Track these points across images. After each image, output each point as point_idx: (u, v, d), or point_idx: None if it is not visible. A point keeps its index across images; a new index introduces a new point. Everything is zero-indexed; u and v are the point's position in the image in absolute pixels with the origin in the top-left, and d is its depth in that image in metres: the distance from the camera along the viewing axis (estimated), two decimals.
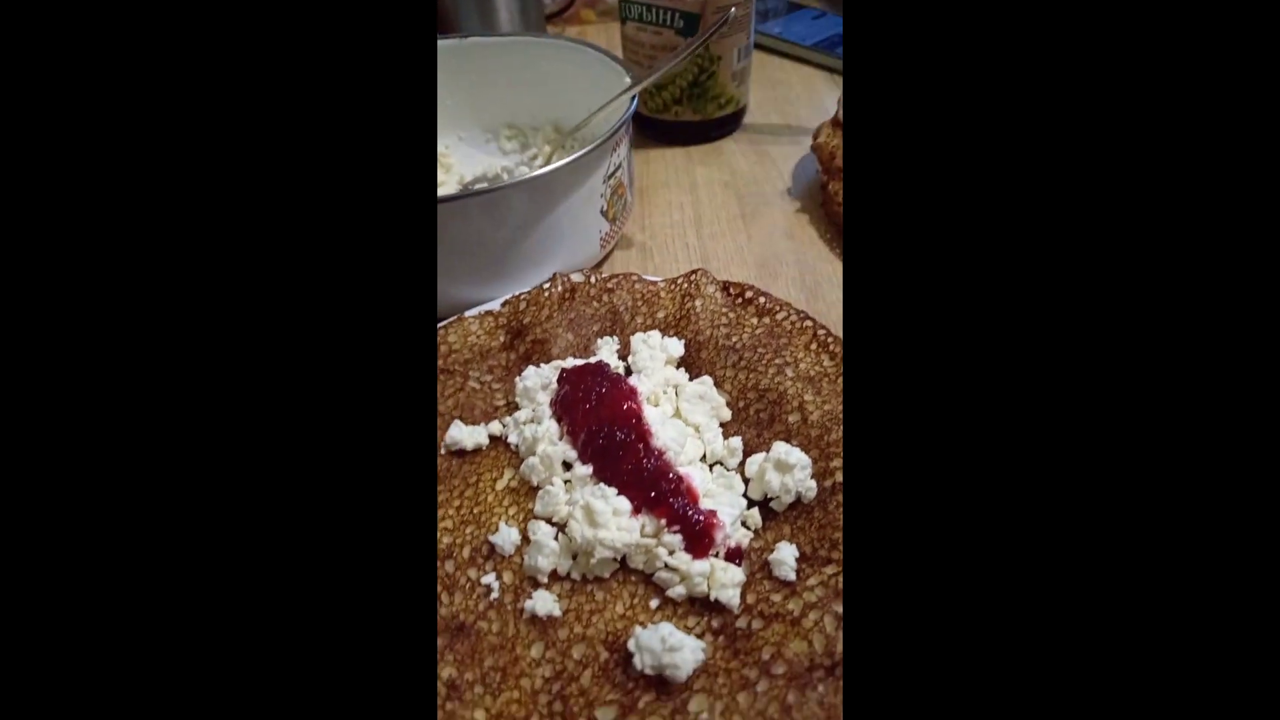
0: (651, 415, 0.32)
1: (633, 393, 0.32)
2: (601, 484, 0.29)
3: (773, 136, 0.61)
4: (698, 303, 0.39)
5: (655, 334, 0.37)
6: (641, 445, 0.30)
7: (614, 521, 0.28)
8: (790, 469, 0.30)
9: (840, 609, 0.26)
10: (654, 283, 0.41)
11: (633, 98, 0.44)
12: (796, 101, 0.67)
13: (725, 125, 0.60)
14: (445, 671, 0.26)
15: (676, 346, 0.37)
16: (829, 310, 0.43)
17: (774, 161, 0.58)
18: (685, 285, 0.40)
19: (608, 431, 0.30)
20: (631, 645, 0.25)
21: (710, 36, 0.48)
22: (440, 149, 0.55)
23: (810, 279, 0.46)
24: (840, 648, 0.25)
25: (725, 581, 0.27)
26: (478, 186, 0.53)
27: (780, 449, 0.30)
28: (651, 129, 0.60)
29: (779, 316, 0.38)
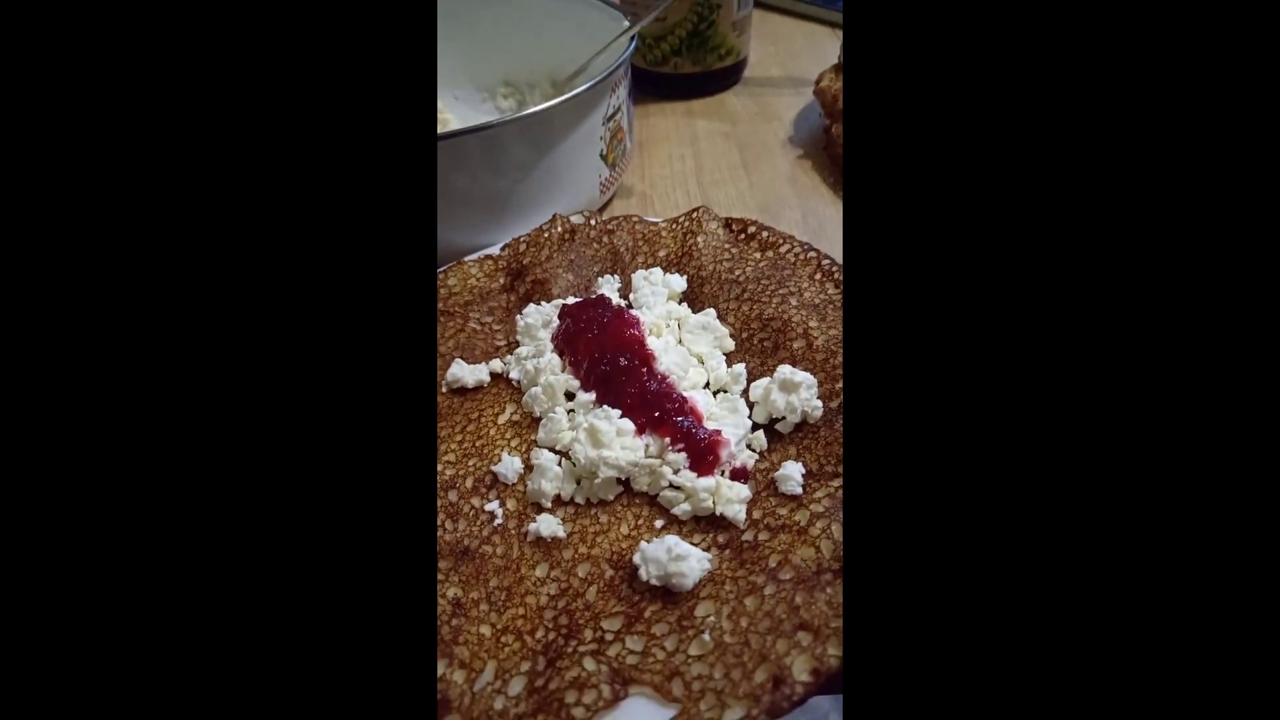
0: (654, 344, 0.32)
1: (635, 322, 0.32)
2: (605, 406, 0.29)
3: (774, 89, 0.61)
4: (700, 239, 0.38)
5: (657, 270, 0.37)
6: (645, 369, 0.30)
7: (618, 441, 0.28)
8: (796, 388, 0.29)
9: None
10: (655, 223, 0.40)
11: (631, 38, 0.43)
12: (799, 55, 0.66)
13: (726, 77, 0.60)
14: (450, 591, 0.26)
15: (679, 282, 0.36)
16: (833, 251, 0.42)
17: (776, 112, 0.57)
18: (687, 223, 0.39)
19: (610, 358, 0.30)
20: (637, 558, 0.25)
21: None
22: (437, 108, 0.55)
23: (814, 221, 0.45)
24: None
25: (731, 497, 0.27)
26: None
27: (785, 370, 0.30)
28: (651, 84, 0.60)
29: (783, 250, 0.37)
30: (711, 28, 0.55)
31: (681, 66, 0.57)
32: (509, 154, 0.38)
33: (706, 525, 0.27)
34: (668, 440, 0.28)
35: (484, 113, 0.56)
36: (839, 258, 0.42)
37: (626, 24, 0.45)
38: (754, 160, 0.51)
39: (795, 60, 0.65)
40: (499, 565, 0.27)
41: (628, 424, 0.28)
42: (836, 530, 0.25)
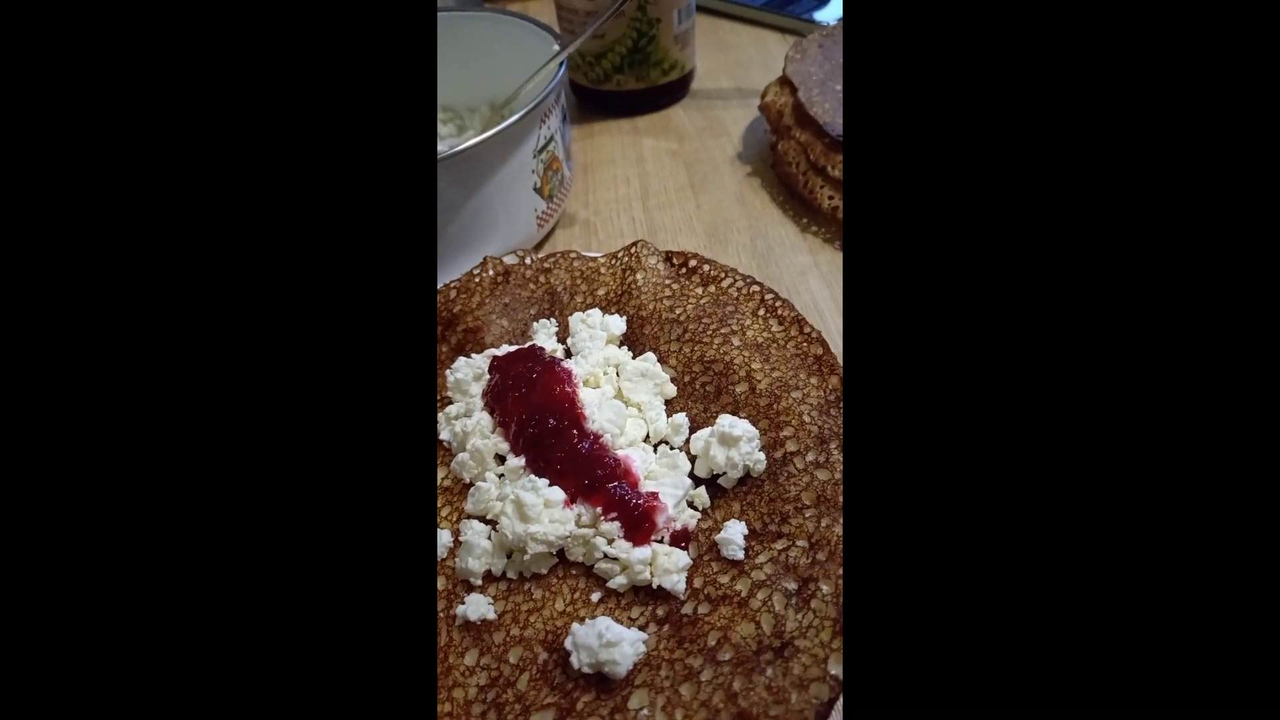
0: (589, 397, 0.30)
1: (567, 375, 0.30)
2: (532, 475, 0.27)
3: (723, 101, 0.59)
4: (639, 276, 0.36)
5: (595, 312, 0.35)
6: (575, 430, 0.28)
7: (546, 514, 0.26)
8: (736, 442, 0.28)
9: (791, 585, 0.24)
10: (594, 259, 0.38)
11: (560, 64, 0.41)
12: (748, 64, 0.65)
13: (672, 92, 0.58)
14: None
15: (618, 324, 0.35)
16: (781, 274, 0.41)
17: (724, 126, 0.56)
18: (626, 259, 0.38)
19: (539, 419, 0.28)
20: (569, 643, 0.24)
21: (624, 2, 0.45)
22: None
23: (762, 244, 0.44)
24: (790, 625, 0.23)
25: (669, 567, 0.25)
26: None
27: (724, 422, 0.28)
28: (595, 102, 0.58)
29: (724, 284, 0.36)
30: (653, 43, 0.53)
31: (625, 83, 0.55)
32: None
33: (646, 596, 0.26)
34: (600, 509, 0.26)
35: None
36: (790, 280, 0.41)
37: (555, 48, 0.43)
38: (702, 180, 0.50)
39: (744, 69, 0.63)
40: None
41: (557, 494, 0.27)
42: (778, 601, 0.24)
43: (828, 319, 0.38)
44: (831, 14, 0.68)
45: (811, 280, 0.41)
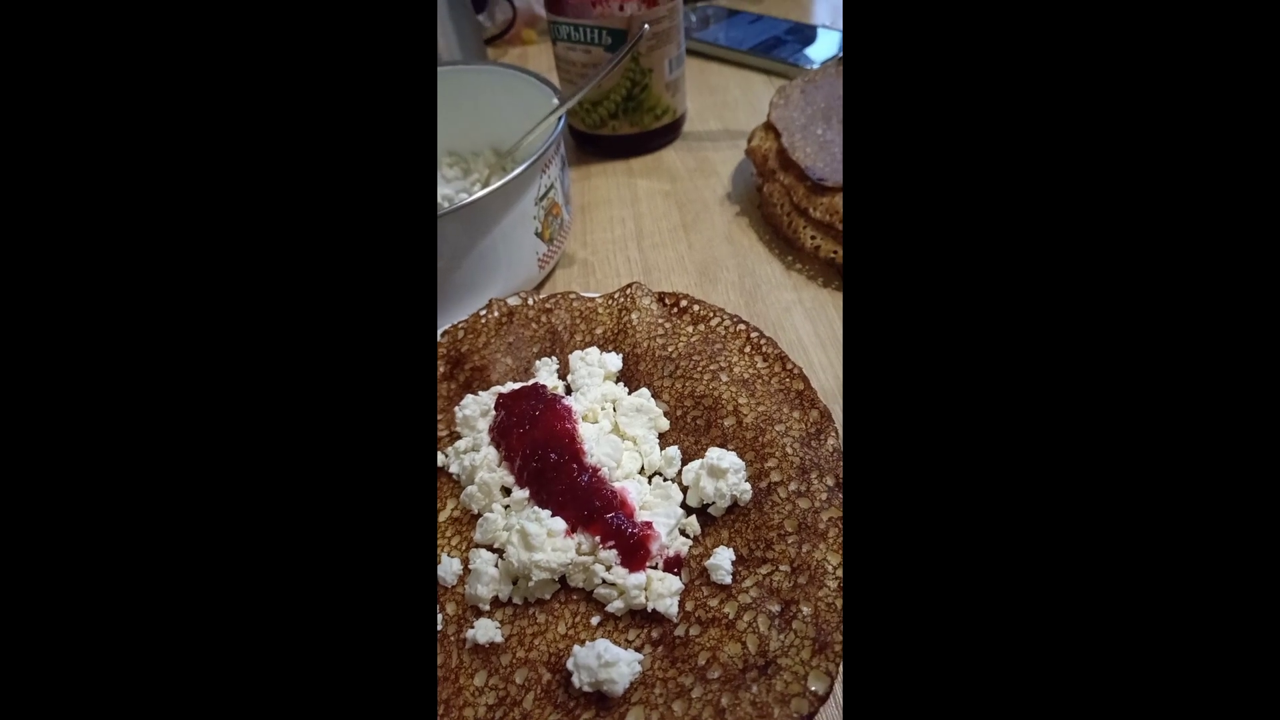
0: (587, 432, 0.32)
1: (567, 412, 0.33)
2: (536, 507, 0.30)
3: (712, 143, 0.62)
4: (634, 315, 0.39)
5: (593, 350, 0.38)
6: (575, 464, 0.30)
7: (549, 543, 0.28)
8: (724, 474, 0.30)
9: (774, 607, 0.26)
10: (591, 299, 0.41)
11: (559, 119, 0.44)
12: (735, 106, 0.68)
13: (665, 135, 0.61)
14: None
15: (614, 361, 0.37)
16: (767, 310, 0.44)
17: (714, 167, 0.59)
18: (621, 299, 0.40)
19: (542, 454, 0.31)
20: (570, 664, 0.26)
21: (621, 60, 0.48)
22: None
23: (749, 282, 0.46)
24: (773, 645, 0.25)
25: (662, 591, 0.28)
26: None
27: (713, 455, 0.31)
28: (592, 145, 0.61)
29: (713, 323, 0.38)
30: (645, 91, 0.57)
31: (620, 128, 0.59)
32: (443, 243, 0.39)
33: (641, 619, 0.28)
34: (599, 538, 0.29)
35: None
36: (775, 316, 0.43)
37: (555, 102, 0.46)
38: (693, 219, 0.53)
39: (732, 111, 0.67)
40: (439, 676, 0.27)
41: (559, 524, 0.29)
42: (762, 623, 0.26)
43: (811, 353, 0.41)
44: (814, 58, 0.71)
45: (796, 316, 0.43)
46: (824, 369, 0.40)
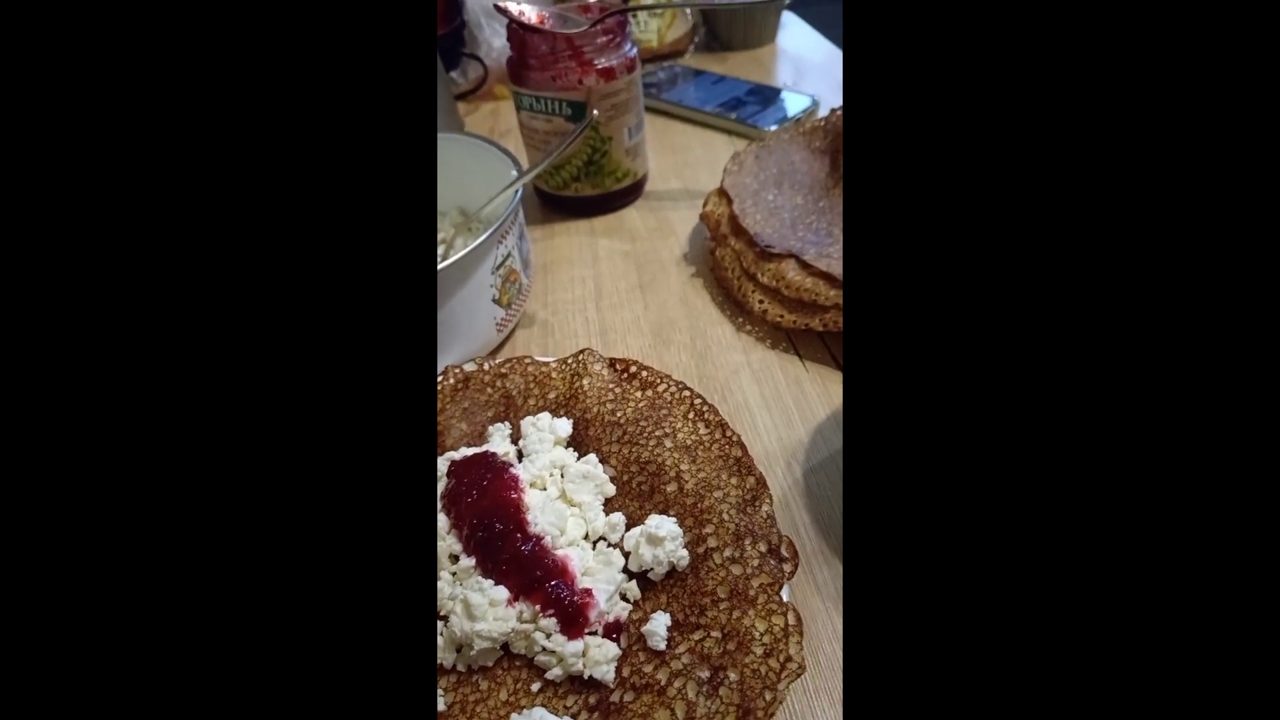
0: (534, 500, 0.34)
1: (514, 481, 0.34)
2: (480, 576, 0.31)
3: (673, 202, 0.65)
4: (586, 381, 0.41)
5: (545, 416, 0.39)
6: (519, 534, 0.32)
7: (490, 612, 0.30)
8: (661, 541, 0.32)
9: (704, 673, 0.28)
10: (546, 364, 0.43)
11: (517, 191, 0.47)
12: (697, 165, 0.71)
13: (626, 195, 0.64)
14: None
15: (565, 426, 0.39)
16: (716, 372, 0.46)
17: (673, 227, 0.61)
18: (574, 364, 0.42)
19: (488, 523, 0.32)
20: None
21: (578, 136, 0.51)
22: None
23: (701, 344, 0.48)
24: (700, 712, 0.27)
25: (598, 658, 0.29)
26: None
27: (652, 522, 0.32)
28: (556, 205, 0.64)
29: (660, 389, 0.40)
30: (605, 156, 0.59)
31: (582, 190, 0.61)
32: None
33: (580, 686, 0.29)
34: (539, 606, 0.30)
35: None
36: (724, 378, 0.45)
37: (514, 174, 0.49)
38: (650, 280, 0.55)
39: (692, 170, 0.70)
40: None
41: (501, 593, 0.30)
42: (691, 689, 0.27)
43: (756, 415, 0.43)
44: (772, 119, 0.75)
45: (744, 378, 0.45)
46: (768, 431, 0.42)
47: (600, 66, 0.55)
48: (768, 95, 0.81)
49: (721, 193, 0.56)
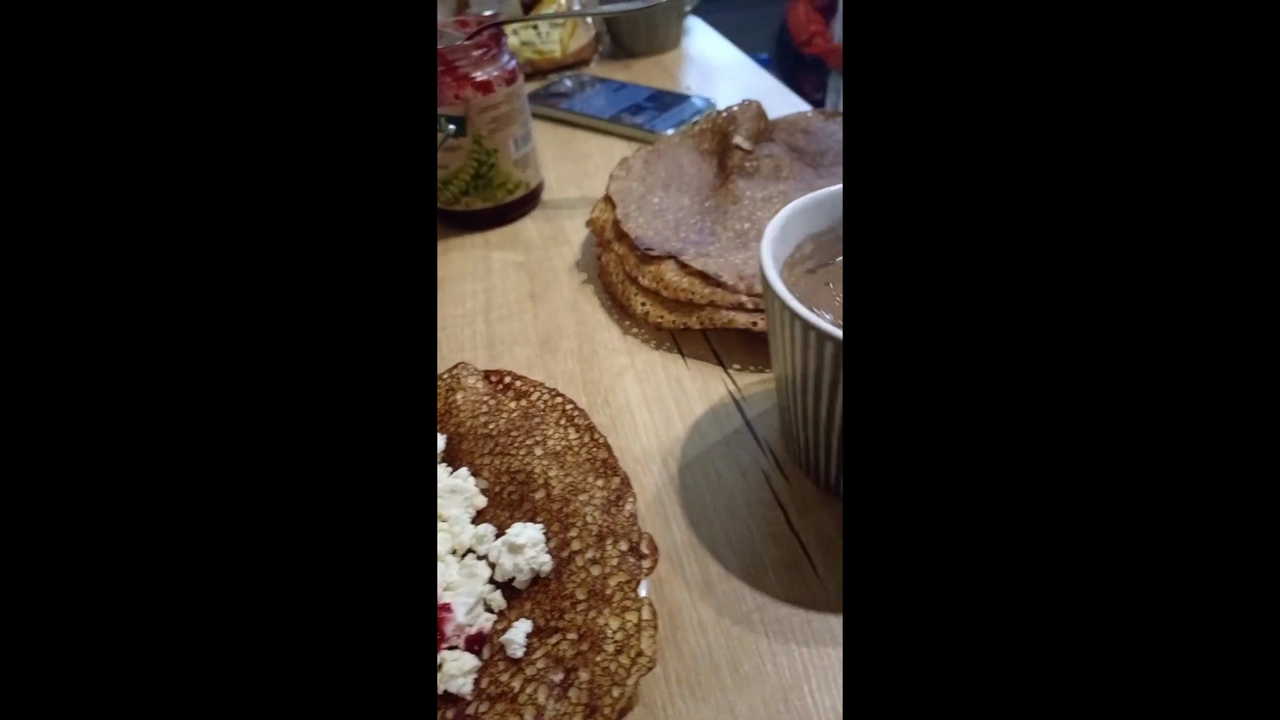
0: None
1: None
2: None
3: (569, 210, 0.66)
4: (459, 395, 0.41)
5: None
6: None
7: None
8: (521, 549, 0.32)
9: (557, 676, 0.28)
10: None
11: None
12: (596, 173, 0.72)
13: (521, 206, 0.64)
14: None
15: (439, 441, 0.39)
16: (602, 376, 0.46)
17: (567, 236, 0.62)
18: (449, 380, 0.42)
19: None
20: None
21: (458, 147, 0.52)
22: None
23: (587, 348, 0.49)
24: (548, 715, 0.27)
25: (454, 672, 0.29)
26: None
27: (513, 531, 0.33)
28: (450, 219, 0.63)
29: (534, 397, 0.40)
30: (493, 169, 0.60)
31: (473, 204, 0.61)
32: None
33: (440, 701, 0.29)
34: None
35: None
36: (609, 382, 0.46)
37: None
38: (542, 290, 0.55)
39: (591, 179, 0.70)
40: None
41: None
42: (541, 694, 0.28)
43: (637, 415, 0.43)
44: (668, 124, 0.76)
45: (628, 380, 0.46)
46: (647, 431, 0.42)
47: (477, 80, 0.55)
48: (667, 100, 0.82)
49: (608, 199, 0.56)
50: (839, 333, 0.28)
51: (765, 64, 1.05)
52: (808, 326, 0.29)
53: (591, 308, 0.53)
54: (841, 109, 0.82)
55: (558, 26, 0.96)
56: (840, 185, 0.37)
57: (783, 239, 0.34)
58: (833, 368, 0.29)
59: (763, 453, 0.40)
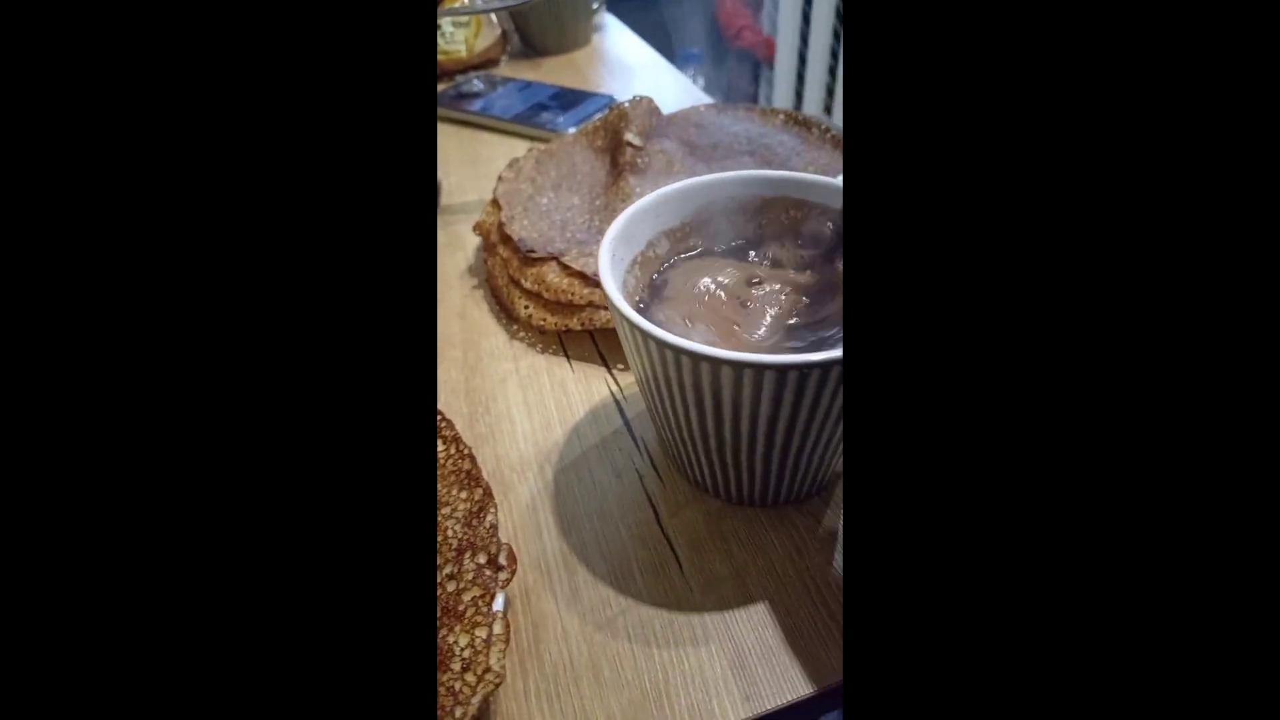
0: None
1: None
2: None
3: (466, 216, 0.64)
4: None
5: None
6: None
7: None
8: None
9: None
10: None
11: None
12: (496, 176, 0.70)
13: None
14: None
15: None
16: (484, 383, 0.46)
17: (463, 242, 0.60)
18: None
19: None
20: None
21: None
22: None
23: (473, 356, 0.48)
24: None
25: None
26: None
27: None
28: None
29: None
30: None
31: None
32: None
33: None
34: None
35: None
36: (491, 388, 0.45)
37: None
38: (436, 297, 0.54)
39: (491, 182, 0.69)
40: None
41: None
42: None
43: (518, 422, 0.43)
44: (573, 122, 0.76)
45: (510, 386, 0.45)
46: (526, 437, 0.42)
47: None
48: (570, 99, 0.81)
49: (494, 201, 0.55)
50: (666, 336, 0.28)
51: (696, 60, 1.05)
52: (646, 335, 0.29)
53: (480, 314, 0.52)
54: (770, 105, 0.82)
55: (461, 26, 0.94)
56: (690, 180, 0.37)
57: (627, 238, 0.34)
58: (675, 369, 0.29)
59: (639, 451, 0.40)
